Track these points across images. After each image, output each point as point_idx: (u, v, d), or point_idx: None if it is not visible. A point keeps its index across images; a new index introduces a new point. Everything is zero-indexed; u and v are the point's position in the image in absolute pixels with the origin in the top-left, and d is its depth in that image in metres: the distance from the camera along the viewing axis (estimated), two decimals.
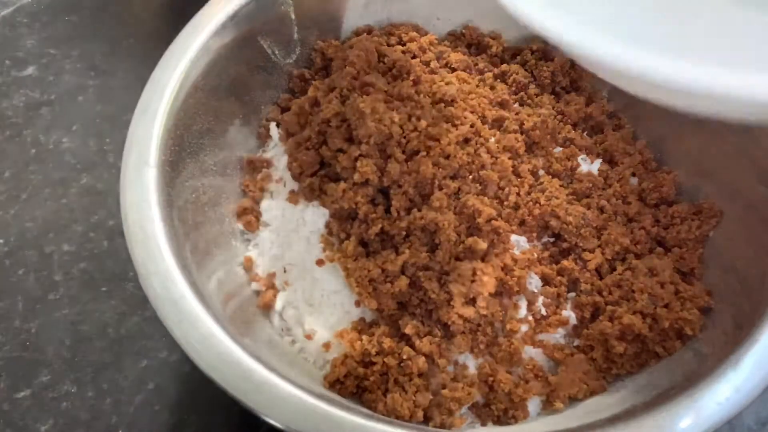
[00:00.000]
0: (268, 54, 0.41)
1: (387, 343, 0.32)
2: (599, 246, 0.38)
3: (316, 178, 0.37)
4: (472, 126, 0.38)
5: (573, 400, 0.34)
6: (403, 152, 0.35)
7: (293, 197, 0.38)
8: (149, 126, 0.32)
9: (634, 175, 0.42)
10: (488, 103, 0.41)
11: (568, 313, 0.36)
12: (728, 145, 0.38)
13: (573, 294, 0.37)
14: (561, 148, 0.42)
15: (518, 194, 0.38)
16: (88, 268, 0.41)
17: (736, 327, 0.32)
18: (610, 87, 0.45)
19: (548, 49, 0.45)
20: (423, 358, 0.32)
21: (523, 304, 0.35)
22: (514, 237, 0.37)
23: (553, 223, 0.37)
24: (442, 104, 0.38)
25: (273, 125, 0.41)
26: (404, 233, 0.34)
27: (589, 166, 0.41)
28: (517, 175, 0.39)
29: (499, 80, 0.44)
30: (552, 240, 0.38)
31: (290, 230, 0.37)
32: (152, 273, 0.29)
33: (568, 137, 0.42)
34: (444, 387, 0.32)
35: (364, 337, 0.33)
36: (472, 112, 0.39)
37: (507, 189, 0.37)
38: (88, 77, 0.50)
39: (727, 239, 0.37)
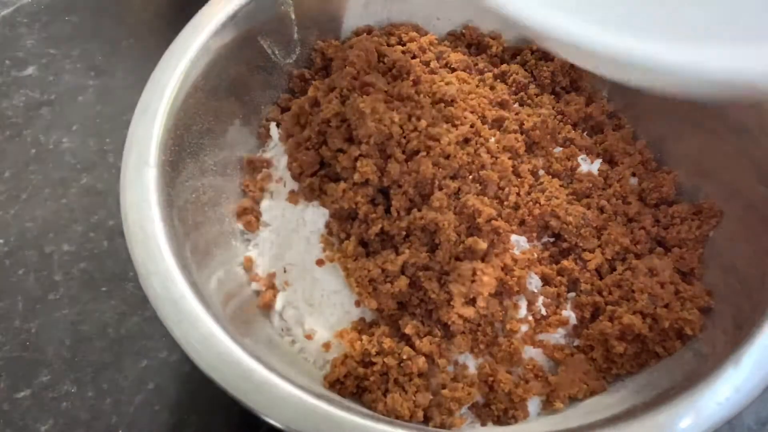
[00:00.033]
0: (268, 54, 0.41)
1: (387, 343, 0.32)
2: (599, 246, 0.38)
3: (316, 178, 0.37)
4: (472, 126, 0.38)
5: (573, 400, 0.34)
6: (403, 152, 0.35)
7: (293, 197, 0.38)
8: (149, 126, 0.32)
9: (634, 175, 0.42)
10: (488, 103, 0.41)
11: (568, 313, 0.36)
12: (728, 145, 0.38)
13: (573, 294, 0.37)
14: (561, 148, 0.42)
15: (518, 194, 0.38)
16: (88, 268, 0.41)
17: (736, 327, 0.32)
18: (610, 87, 0.45)
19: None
20: (423, 358, 0.32)
21: (523, 304, 0.35)
22: (514, 237, 0.37)
23: (553, 223, 0.37)
24: (442, 104, 0.38)
25: (273, 125, 0.41)
26: (404, 233, 0.34)
27: (589, 166, 0.41)
28: (517, 175, 0.39)
29: (499, 80, 0.44)
30: (552, 240, 0.38)
31: (290, 230, 0.37)
32: (152, 273, 0.29)
33: (568, 137, 0.42)
34: (444, 387, 0.32)
35: (364, 337, 0.33)
36: (472, 112, 0.39)
37: (507, 189, 0.37)
38: (88, 77, 0.50)
39: (727, 239, 0.37)
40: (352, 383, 0.32)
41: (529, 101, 0.43)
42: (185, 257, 0.30)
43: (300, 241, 0.37)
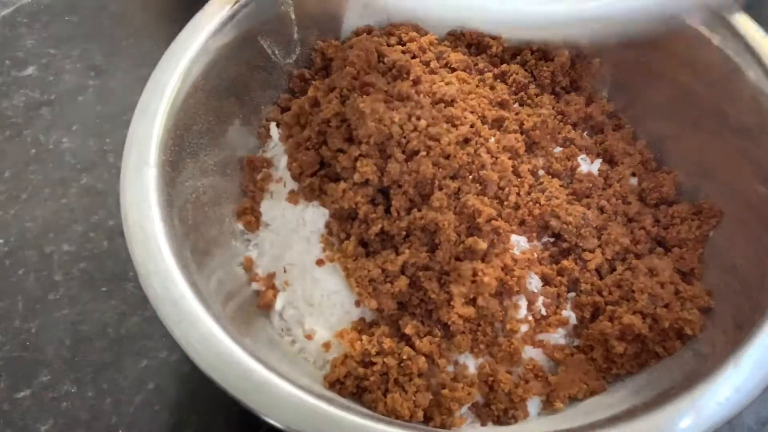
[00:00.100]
0: (268, 54, 0.41)
1: (387, 343, 0.32)
2: (599, 246, 0.38)
3: (316, 178, 0.37)
4: (472, 126, 0.38)
5: (573, 400, 0.34)
6: (403, 152, 0.35)
7: (293, 197, 0.38)
8: (149, 126, 0.32)
9: (634, 175, 0.42)
10: (488, 103, 0.41)
11: (568, 313, 0.36)
12: (728, 145, 0.38)
13: (573, 294, 0.37)
14: (561, 148, 0.42)
15: (518, 194, 0.38)
16: (88, 268, 0.41)
17: (736, 327, 0.32)
18: (610, 87, 0.45)
19: (548, 49, 0.45)
20: (423, 358, 0.32)
21: (523, 304, 0.35)
22: (514, 237, 0.37)
23: (553, 223, 0.37)
24: (442, 104, 0.38)
25: (273, 125, 0.41)
26: (404, 233, 0.34)
27: (589, 166, 0.41)
28: (517, 175, 0.39)
29: (499, 80, 0.44)
30: (552, 240, 0.38)
31: (290, 230, 0.37)
32: (152, 273, 0.29)
33: (568, 137, 0.42)
34: (444, 387, 0.32)
35: (364, 337, 0.33)
36: (472, 112, 0.39)
37: (507, 189, 0.37)
38: (88, 77, 0.50)
39: (727, 239, 0.37)
40: (352, 383, 0.32)
41: (529, 101, 0.43)
42: (185, 257, 0.30)
43: (300, 241, 0.37)
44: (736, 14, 0.37)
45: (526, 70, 0.44)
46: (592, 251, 0.37)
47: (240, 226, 0.38)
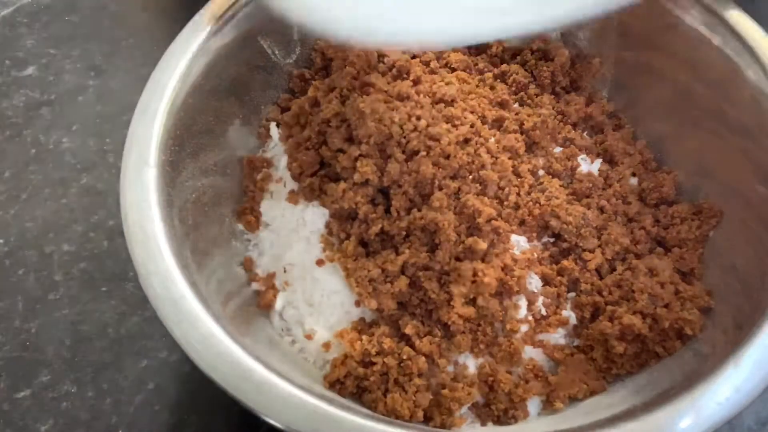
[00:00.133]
0: (268, 54, 0.41)
1: (387, 343, 0.32)
2: (599, 246, 0.38)
3: (316, 178, 0.37)
4: (472, 126, 0.38)
5: (573, 400, 0.34)
6: (403, 152, 0.35)
7: (293, 197, 0.38)
8: (149, 126, 0.32)
9: (634, 175, 0.42)
10: (488, 103, 0.41)
11: (568, 313, 0.36)
12: (728, 145, 0.38)
13: (573, 294, 0.37)
14: (561, 148, 0.42)
15: (518, 194, 0.38)
16: (88, 268, 0.41)
17: (736, 327, 0.32)
18: (611, 87, 0.45)
19: (548, 49, 0.45)
20: (423, 358, 0.32)
21: (523, 304, 0.35)
22: (514, 237, 0.37)
23: (553, 223, 0.37)
24: (442, 104, 0.38)
25: (273, 125, 0.41)
26: (404, 233, 0.34)
27: (589, 166, 0.41)
28: (517, 175, 0.39)
29: (499, 80, 0.44)
30: (552, 240, 0.38)
31: (290, 230, 0.37)
32: (152, 273, 0.29)
33: (568, 137, 0.42)
34: (444, 387, 0.32)
35: (364, 337, 0.33)
36: (472, 112, 0.39)
37: (507, 189, 0.37)
38: (88, 77, 0.50)
39: (727, 239, 0.37)
40: (352, 383, 0.32)
41: (529, 101, 0.43)
42: (185, 257, 0.30)
43: (300, 241, 0.37)
44: (735, 12, 0.37)
45: (526, 70, 0.44)
46: (592, 251, 0.37)
47: (240, 226, 0.38)
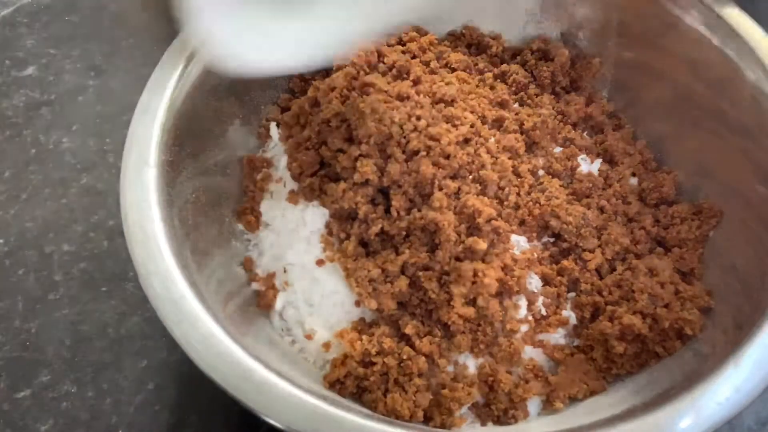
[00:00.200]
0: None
1: (387, 343, 0.32)
2: (599, 246, 0.38)
3: (316, 178, 0.37)
4: (472, 126, 0.38)
5: (573, 400, 0.34)
6: (403, 152, 0.35)
7: (293, 197, 0.38)
8: (149, 126, 0.32)
9: (634, 175, 0.42)
10: (488, 103, 0.41)
11: (568, 313, 0.36)
12: (728, 145, 0.38)
13: (573, 294, 0.37)
14: (561, 148, 0.42)
15: (518, 194, 0.38)
16: (88, 268, 0.41)
17: (736, 327, 0.32)
18: (611, 87, 0.45)
19: (548, 49, 0.45)
20: (423, 358, 0.32)
21: (523, 304, 0.35)
22: (514, 237, 0.37)
23: (553, 223, 0.37)
24: (442, 104, 0.38)
25: (273, 125, 0.41)
26: (404, 233, 0.34)
27: (589, 166, 0.41)
28: (517, 175, 0.39)
29: (499, 80, 0.44)
30: (552, 240, 0.38)
31: (290, 230, 0.37)
32: (152, 273, 0.29)
33: (568, 137, 0.42)
34: (444, 387, 0.32)
35: (364, 337, 0.33)
36: (472, 112, 0.39)
37: (507, 189, 0.37)
38: (88, 77, 0.50)
39: (727, 239, 0.37)
40: (352, 383, 0.32)
41: (529, 101, 0.43)
42: (185, 257, 0.30)
43: (300, 241, 0.37)
44: (735, 12, 0.37)
45: (526, 70, 0.44)
46: (592, 251, 0.37)
47: (240, 226, 0.38)
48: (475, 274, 0.33)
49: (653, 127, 0.43)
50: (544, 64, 0.44)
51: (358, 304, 0.35)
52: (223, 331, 0.28)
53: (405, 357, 0.32)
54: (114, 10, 0.55)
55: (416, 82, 0.39)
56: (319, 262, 0.36)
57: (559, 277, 0.37)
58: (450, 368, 0.33)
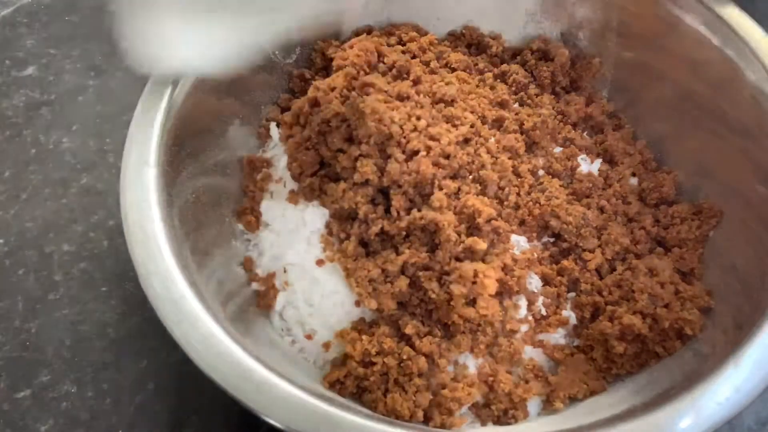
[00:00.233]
0: (268, 54, 0.41)
1: (387, 343, 0.32)
2: (599, 246, 0.38)
3: (316, 178, 0.37)
4: (472, 126, 0.38)
5: (573, 400, 0.34)
6: (403, 152, 0.35)
7: (293, 197, 0.38)
8: (149, 126, 0.32)
9: (634, 175, 0.42)
10: (488, 103, 0.41)
11: (568, 313, 0.36)
12: (728, 145, 0.38)
13: (573, 294, 0.37)
14: (561, 148, 0.42)
15: (518, 194, 0.38)
16: (88, 268, 0.41)
17: (736, 327, 0.32)
18: (611, 87, 0.45)
19: (548, 49, 0.45)
20: (423, 358, 0.32)
21: (523, 304, 0.35)
22: (514, 237, 0.37)
23: (553, 223, 0.37)
24: (442, 104, 0.38)
25: (273, 125, 0.41)
26: (404, 233, 0.34)
27: (589, 166, 0.41)
28: (517, 175, 0.39)
29: (499, 80, 0.44)
30: (552, 240, 0.38)
31: (290, 230, 0.37)
32: (152, 273, 0.29)
33: (568, 137, 0.42)
34: (444, 387, 0.32)
35: (364, 337, 0.33)
36: (472, 112, 0.39)
37: (507, 189, 0.37)
38: (88, 77, 0.50)
39: (727, 239, 0.37)
40: (352, 383, 0.32)
41: (529, 101, 0.43)
42: (185, 257, 0.30)
43: (300, 241, 0.37)
44: (735, 12, 0.37)
45: (526, 70, 0.44)
46: (592, 251, 0.37)
47: (240, 226, 0.38)
48: (476, 274, 0.33)
49: (653, 127, 0.43)
50: (544, 64, 0.44)
51: (358, 304, 0.35)
52: (223, 331, 0.28)
53: (405, 357, 0.32)
54: (114, 10, 0.55)
55: (416, 82, 0.39)
56: (319, 262, 0.36)
57: (559, 277, 0.37)
58: (450, 368, 0.33)
